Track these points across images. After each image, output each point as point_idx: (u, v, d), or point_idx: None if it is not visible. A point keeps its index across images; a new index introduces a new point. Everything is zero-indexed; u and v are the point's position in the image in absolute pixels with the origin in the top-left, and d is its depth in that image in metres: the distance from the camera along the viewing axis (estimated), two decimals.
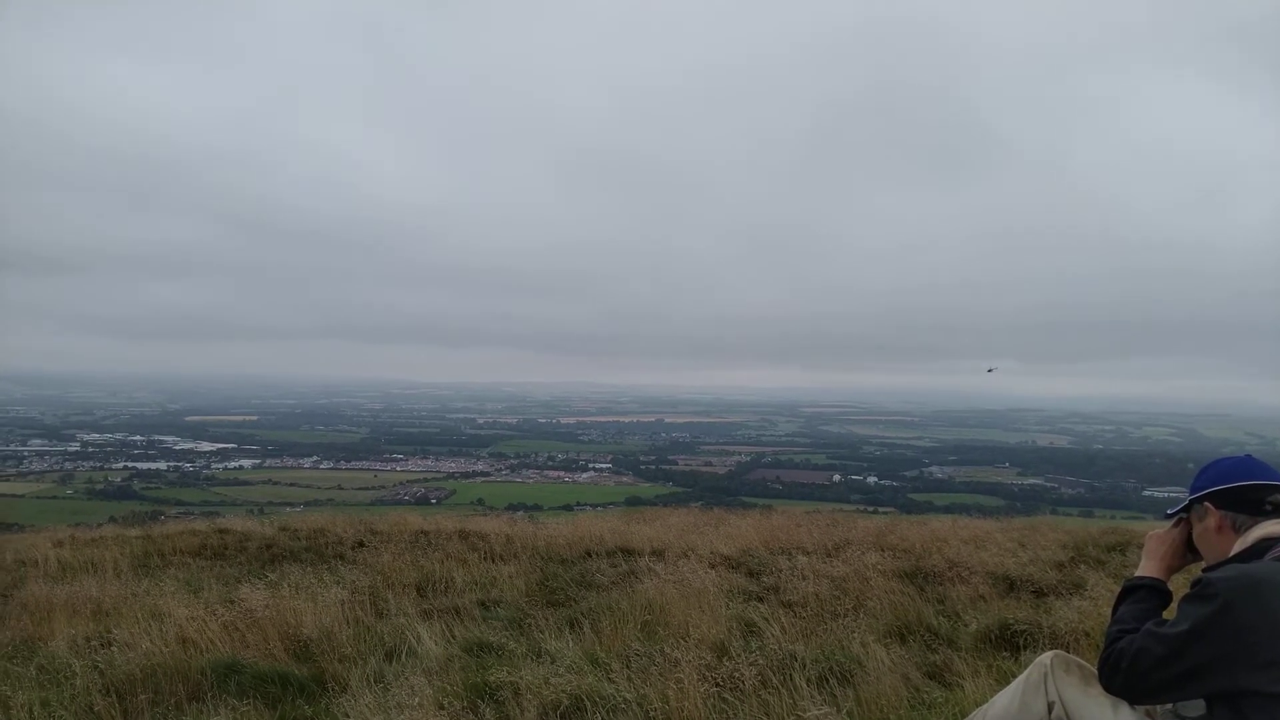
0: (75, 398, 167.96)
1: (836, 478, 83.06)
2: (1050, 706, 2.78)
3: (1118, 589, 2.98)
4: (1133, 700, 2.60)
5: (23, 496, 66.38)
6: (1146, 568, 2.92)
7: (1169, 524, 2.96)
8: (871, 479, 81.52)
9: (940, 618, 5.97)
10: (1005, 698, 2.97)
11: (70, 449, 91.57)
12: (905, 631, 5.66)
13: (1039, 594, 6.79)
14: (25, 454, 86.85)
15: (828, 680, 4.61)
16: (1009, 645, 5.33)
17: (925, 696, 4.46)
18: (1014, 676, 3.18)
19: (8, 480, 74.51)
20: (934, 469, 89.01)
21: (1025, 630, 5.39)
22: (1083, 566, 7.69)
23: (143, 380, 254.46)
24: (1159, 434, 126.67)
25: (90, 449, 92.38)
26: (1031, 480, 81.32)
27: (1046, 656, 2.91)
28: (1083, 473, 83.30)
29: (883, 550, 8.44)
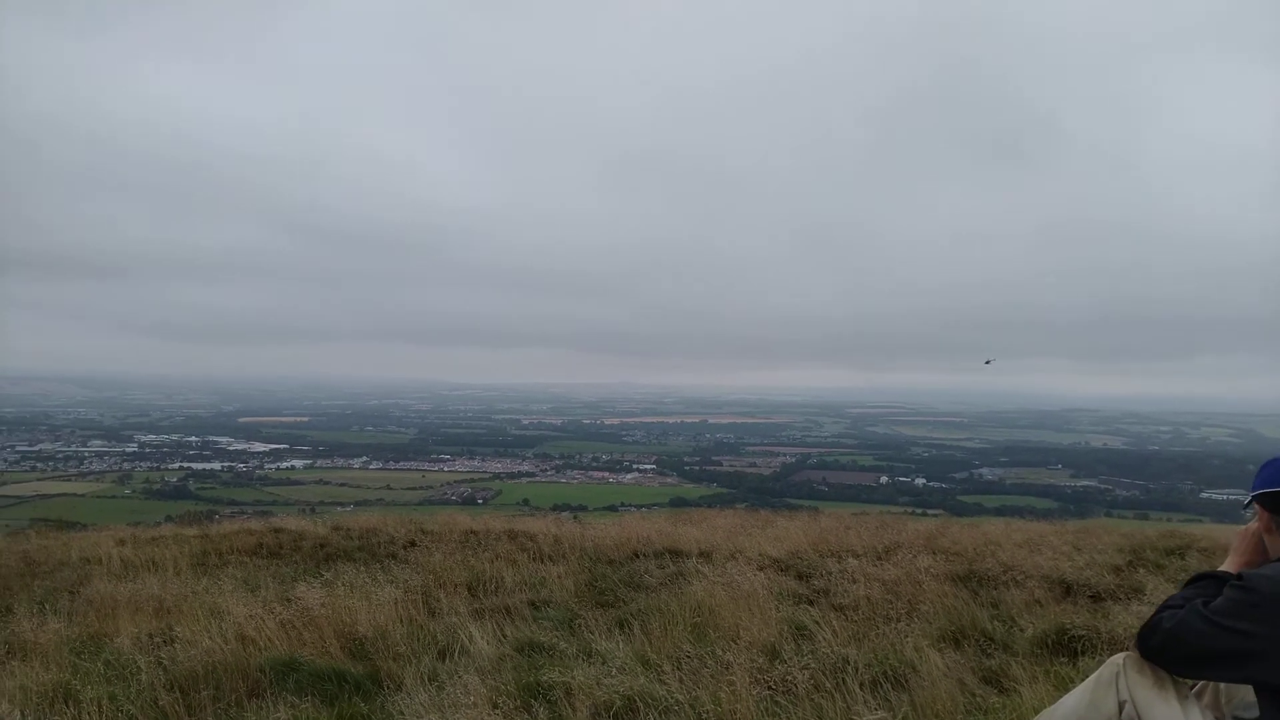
0: (132, 399, 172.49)
1: (884, 479, 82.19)
2: (1121, 706, 2.74)
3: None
4: (1163, 665, 2.69)
5: (84, 496, 68.37)
6: (1226, 562, 2.97)
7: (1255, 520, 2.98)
8: (920, 481, 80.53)
9: (995, 622, 5.87)
10: (1075, 697, 2.93)
11: (128, 449, 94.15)
12: (959, 636, 5.58)
13: (1096, 598, 6.66)
14: (86, 454, 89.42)
15: (881, 685, 4.57)
16: (1066, 650, 5.23)
17: (981, 702, 4.40)
18: (1073, 682, 3.12)
19: (69, 480, 76.77)
20: (984, 470, 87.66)
21: (1083, 635, 5.29)
22: (1141, 571, 7.53)
23: (198, 382, 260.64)
24: (1218, 434, 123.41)
25: (147, 449, 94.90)
26: (1085, 482, 79.71)
27: (1119, 656, 2.88)
28: (1138, 474, 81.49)
29: (934, 553, 8.33)
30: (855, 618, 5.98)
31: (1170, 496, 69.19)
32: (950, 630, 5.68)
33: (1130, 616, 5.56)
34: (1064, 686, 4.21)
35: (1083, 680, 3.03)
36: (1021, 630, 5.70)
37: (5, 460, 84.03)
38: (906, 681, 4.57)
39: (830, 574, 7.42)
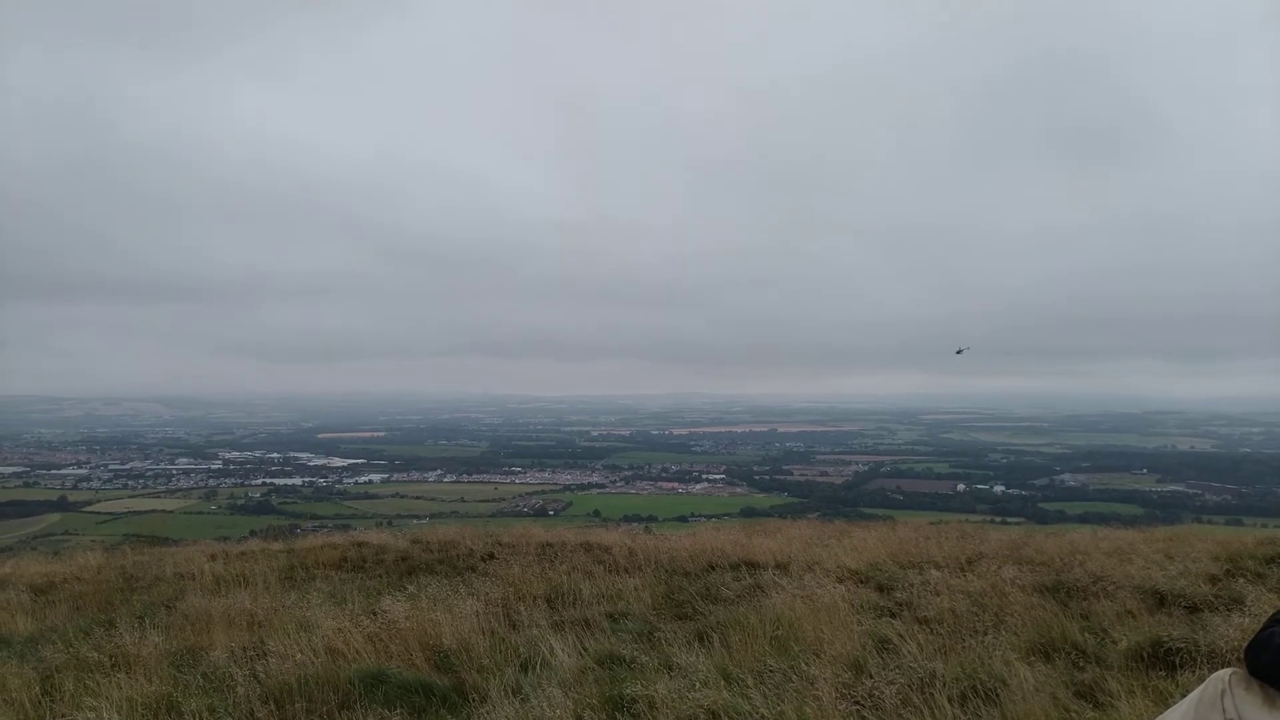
0: (217, 418, 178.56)
1: (961, 487, 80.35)
2: None
3: None
4: (1274, 684, 2.50)
5: (172, 512, 70.93)
6: None
7: None
8: (998, 488, 78.56)
9: (1086, 634, 5.71)
10: (1177, 714, 2.82)
11: (213, 467, 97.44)
12: (1049, 649, 5.44)
13: (1192, 609, 6.42)
14: (174, 472, 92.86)
15: (970, 699, 4.47)
16: (1163, 664, 5.06)
17: (1076, 717, 4.28)
18: (1172, 697, 3.01)
19: (159, 497, 79.73)
20: (1065, 476, 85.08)
21: (1181, 648, 5.11)
22: (1240, 580, 7.22)
23: (278, 400, 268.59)
24: None
25: (231, 466, 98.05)
26: (1172, 487, 76.77)
27: (1225, 673, 2.75)
28: (1229, 478, 78.18)
29: (1019, 563, 8.14)
30: (940, 631, 5.88)
31: (1265, 501, 66.17)
32: (1040, 643, 5.54)
33: (1231, 629, 5.34)
34: (1163, 701, 4.08)
35: (1182, 696, 2.93)
36: (1115, 643, 5.53)
37: (100, 479, 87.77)
38: (997, 696, 4.47)
39: (912, 586, 7.30)
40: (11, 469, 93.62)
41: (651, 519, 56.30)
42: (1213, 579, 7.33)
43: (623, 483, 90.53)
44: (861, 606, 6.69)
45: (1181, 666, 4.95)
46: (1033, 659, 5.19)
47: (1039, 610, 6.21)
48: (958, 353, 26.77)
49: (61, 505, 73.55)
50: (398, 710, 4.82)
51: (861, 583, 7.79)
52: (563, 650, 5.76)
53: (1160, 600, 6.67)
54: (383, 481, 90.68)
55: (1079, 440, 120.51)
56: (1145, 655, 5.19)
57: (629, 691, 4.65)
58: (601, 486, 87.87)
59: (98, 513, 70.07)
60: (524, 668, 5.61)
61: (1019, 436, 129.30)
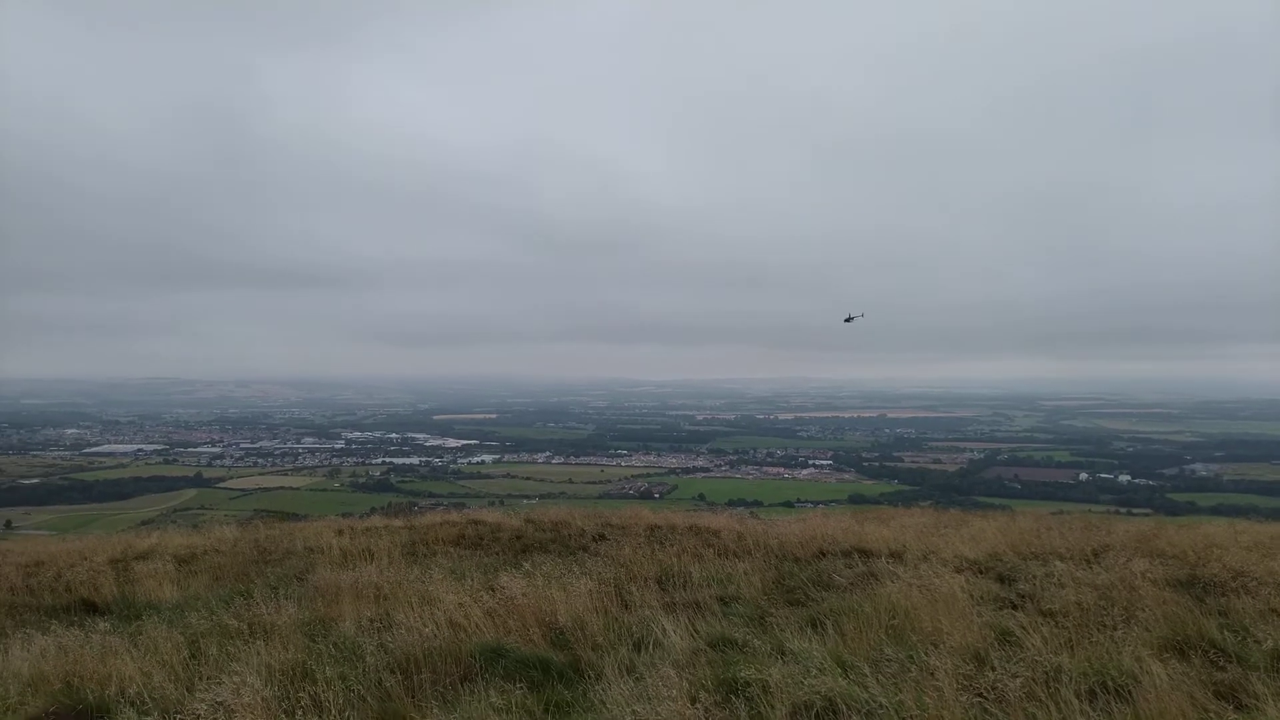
0: (341, 400, 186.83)
1: (1083, 476, 77.19)
2: None
3: None
4: None
5: (298, 489, 74.71)
6: None
7: None
8: (1124, 478, 75.13)
9: (1225, 632, 5.42)
10: None
11: (336, 446, 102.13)
12: (1184, 646, 5.19)
13: None
14: (300, 451, 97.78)
15: (1099, 695, 4.31)
16: None
17: (1216, 718, 4.07)
18: None
19: (285, 474, 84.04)
20: (1197, 466, 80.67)
21: None
22: None
23: (397, 382, 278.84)
24: None
25: (353, 446, 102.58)
26: None
27: None
28: None
29: (1149, 556, 7.77)
30: (1066, 624, 5.67)
31: None
32: (1173, 640, 5.29)
33: None
34: None
35: None
36: (1258, 642, 5.23)
37: (232, 457, 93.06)
38: (1129, 693, 4.29)
39: (1034, 578, 7.07)
40: (153, 446, 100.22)
41: (756, 504, 56.13)
42: None
43: (727, 467, 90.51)
44: (981, 597, 6.52)
45: None
46: (1166, 656, 4.96)
47: (1172, 605, 5.92)
48: (846, 320, 23.96)
49: (198, 481, 78.42)
50: (518, 684, 4.97)
51: (980, 573, 7.58)
52: (675, 631, 5.82)
53: None
54: (494, 462, 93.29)
55: (1212, 428, 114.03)
56: None
57: (743, 675, 4.67)
58: (706, 470, 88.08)
59: (230, 489, 74.40)
60: (637, 647, 5.70)
61: (1146, 424, 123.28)
